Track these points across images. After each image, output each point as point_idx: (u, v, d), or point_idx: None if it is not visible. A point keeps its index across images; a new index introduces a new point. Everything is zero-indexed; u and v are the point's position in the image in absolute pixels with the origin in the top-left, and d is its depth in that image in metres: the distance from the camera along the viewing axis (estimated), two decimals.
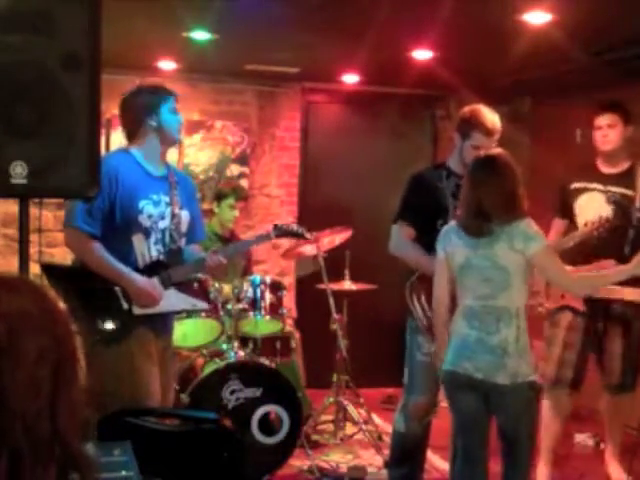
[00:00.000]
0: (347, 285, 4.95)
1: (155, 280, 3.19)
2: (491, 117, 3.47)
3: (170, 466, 2.61)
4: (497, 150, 3.17)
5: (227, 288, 4.51)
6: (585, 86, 5.17)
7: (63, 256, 5.19)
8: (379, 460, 4.39)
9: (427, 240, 3.47)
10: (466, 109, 3.56)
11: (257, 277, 4.61)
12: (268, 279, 4.61)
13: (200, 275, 4.06)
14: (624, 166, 4.10)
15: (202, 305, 3.66)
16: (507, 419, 2.99)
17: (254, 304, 4.45)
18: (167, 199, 3.28)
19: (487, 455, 3.06)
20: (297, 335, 5.15)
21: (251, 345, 4.54)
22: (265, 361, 4.27)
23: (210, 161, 5.87)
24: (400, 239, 3.58)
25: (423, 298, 3.48)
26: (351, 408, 4.91)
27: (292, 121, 6.13)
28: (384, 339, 5.77)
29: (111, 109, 5.26)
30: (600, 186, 4.09)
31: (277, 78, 5.84)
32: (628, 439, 4.27)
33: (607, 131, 4.08)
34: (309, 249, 4.81)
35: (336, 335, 4.62)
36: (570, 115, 5.38)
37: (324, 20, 4.02)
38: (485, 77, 5.43)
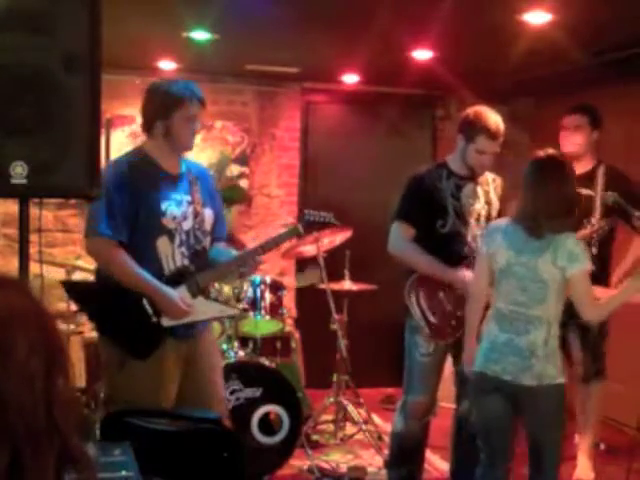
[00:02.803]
0: (347, 285, 4.95)
1: (184, 290, 3.05)
2: (495, 120, 3.43)
3: (170, 466, 2.61)
4: (554, 151, 3.04)
5: (227, 288, 4.51)
6: (585, 86, 5.17)
7: (63, 256, 5.21)
8: (379, 460, 4.39)
9: (426, 241, 3.46)
10: (470, 111, 3.50)
11: (257, 277, 4.59)
12: (268, 279, 4.61)
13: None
14: (587, 167, 4.09)
15: (231, 311, 3.56)
16: (533, 422, 2.96)
17: (254, 304, 4.45)
18: (189, 198, 3.11)
19: (509, 459, 3.04)
20: (297, 335, 5.14)
21: (251, 345, 4.53)
22: (265, 361, 4.27)
23: (210, 161, 5.86)
24: (399, 238, 3.54)
25: (422, 299, 3.47)
26: (351, 408, 4.91)
27: (292, 121, 6.12)
28: (384, 339, 5.77)
29: (111, 109, 5.28)
30: None
31: (277, 78, 5.84)
32: (628, 439, 4.27)
33: (572, 133, 4.10)
34: (309, 249, 4.81)
35: (336, 335, 4.62)
36: None
37: (324, 20, 4.02)
38: (485, 77, 5.43)
